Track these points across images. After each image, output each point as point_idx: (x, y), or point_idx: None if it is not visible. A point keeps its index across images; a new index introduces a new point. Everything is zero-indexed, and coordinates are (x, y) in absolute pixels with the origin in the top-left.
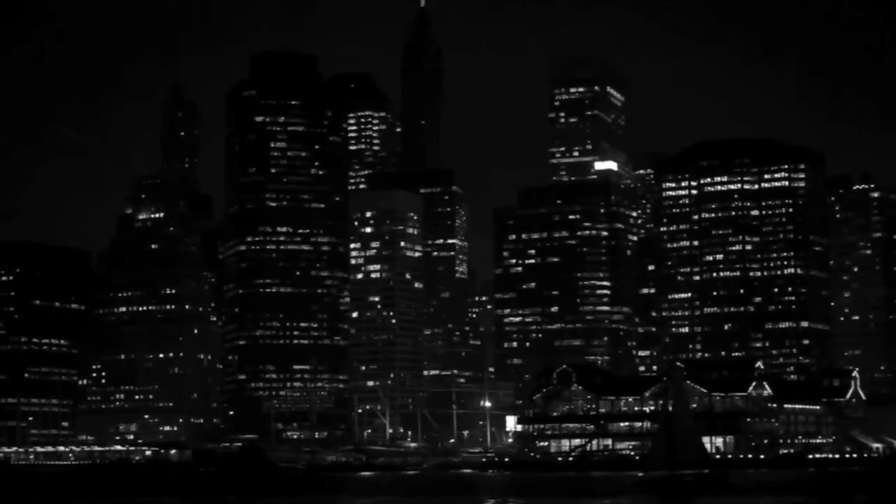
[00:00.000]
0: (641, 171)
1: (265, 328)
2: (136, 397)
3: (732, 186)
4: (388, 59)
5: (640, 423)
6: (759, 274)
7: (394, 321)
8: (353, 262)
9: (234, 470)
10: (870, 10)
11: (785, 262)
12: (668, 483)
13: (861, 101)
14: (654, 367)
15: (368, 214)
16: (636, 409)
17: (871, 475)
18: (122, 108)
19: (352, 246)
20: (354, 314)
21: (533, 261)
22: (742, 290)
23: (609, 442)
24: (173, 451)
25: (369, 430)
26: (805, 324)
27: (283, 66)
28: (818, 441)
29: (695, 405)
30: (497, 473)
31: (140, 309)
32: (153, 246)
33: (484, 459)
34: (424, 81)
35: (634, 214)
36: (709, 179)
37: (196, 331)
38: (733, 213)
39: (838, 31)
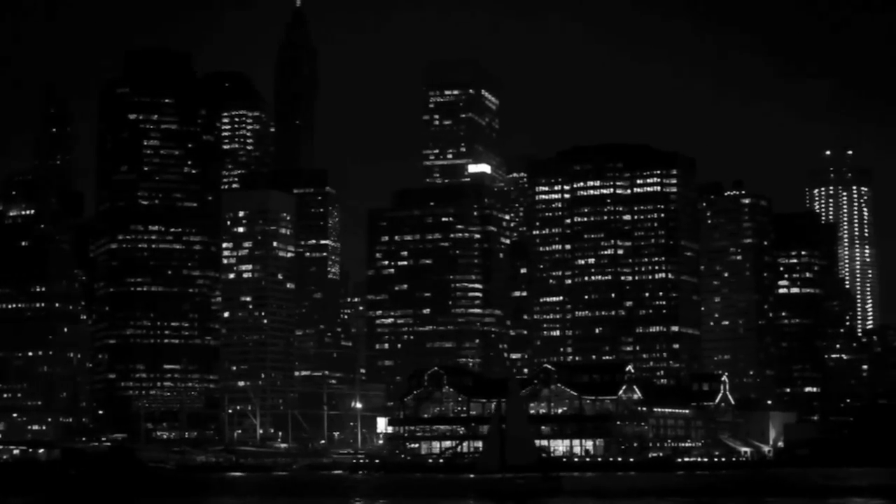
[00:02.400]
0: (515, 175)
1: (136, 327)
2: (5, 396)
3: (605, 191)
4: (262, 59)
5: None
6: (630, 278)
7: (265, 321)
8: (224, 261)
9: (103, 469)
10: (750, 15)
11: (656, 267)
12: (500, 486)
13: (735, 108)
14: (525, 370)
15: (241, 214)
16: None
17: (738, 479)
18: None
19: (224, 245)
20: (226, 314)
21: (405, 262)
22: (613, 294)
23: (479, 444)
24: (42, 451)
25: (240, 431)
26: (675, 328)
27: (157, 64)
28: (687, 445)
29: (565, 408)
30: (367, 475)
31: (9, 307)
32: (23, 243)
33: (354, 461)
34: (299, 81)
35: (507, 217)
36: (582, 184)
37: (66, 329)
38: (606, 217)
39: (713, 36)
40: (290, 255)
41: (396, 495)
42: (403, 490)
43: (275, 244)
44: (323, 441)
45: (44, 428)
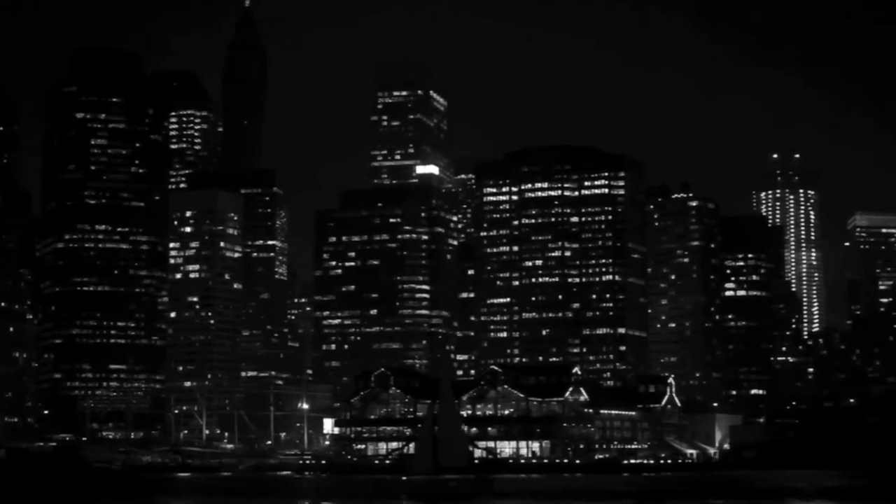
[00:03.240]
0: (463, 176)
1: (82, 327)
2: None
3: (553, 193)
4: (211, 59)
5: None
6: (577, 280)
7: (212, 322)
8: (171, 261)
9: (48, 470)
10: (698, 19)
11: (603, 269)
12: (431, 487)
13: (683, 111)
14: (472, 372)
15: (188, 214)
16: None
17: (684, 481)
18: None
19: (171, 245)
20: (172, 314)
21: (353, 263)
22: (560, 296)
23: None
24: None
25: (186, 431)
26: (622, 330)
27: (105, 63)
28: (633, 447)
29: (512, 410)
30: (314, 475)
31: None
32: None
33: (301, 462)
34: (248, 81)
35: (455, 219)
36: (529, 185)
37: (11, 328)
38: (553, 219)
39: (661, 39)
40: (237, 255)
41: (330, 496)
42: (337, 491)
43: (222, 244)
44: (269, 442)
45: None
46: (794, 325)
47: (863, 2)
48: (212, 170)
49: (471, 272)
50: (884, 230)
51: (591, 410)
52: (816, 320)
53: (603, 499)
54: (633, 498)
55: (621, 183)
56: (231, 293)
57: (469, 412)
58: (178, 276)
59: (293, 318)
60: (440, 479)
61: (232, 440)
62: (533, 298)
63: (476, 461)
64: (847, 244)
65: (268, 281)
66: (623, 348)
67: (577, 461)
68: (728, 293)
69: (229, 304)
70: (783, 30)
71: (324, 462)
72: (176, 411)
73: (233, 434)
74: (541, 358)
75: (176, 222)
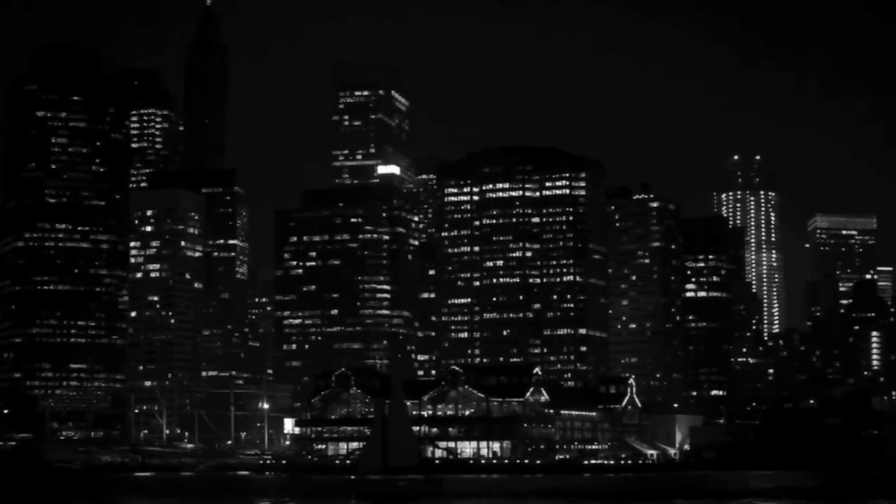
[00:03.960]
0: (424, 176)
1: (42, 326)
2: None
3: (514, 193)
4: (172, 57)
5: (416, 427)
6: (538, 280)
7: (172, 321)
8: (132, 260)
9: (8, 469)
10: (657, 20)
11: (564, 270)
12: (381, 487)
13: (644, 111)
14: (433, 372)
15: (149, 213)
16: (414, 413)
17: (645, 481)
18: None
19: (131, 244)
20: (133, 313)
21: (314, 263)
22: (521, 297)
23: None
24: None
25: (146, 431)
26: (583, 331)
27: (65, 61)
28: (594, 447)
29: (473, 410)
30: (274, 475)
31: None
32: None
33: (261, 462)
34: (209, 80)
35: (416, 219)
36: (491, 186)
37: None
38: (514, 219)
39: (620, 39)
40: (198, 254)
41: (281, 495)
42: (288, 490)
43: (183, 243)
44: (230, 442)
45: None
46: (754, 327)
47: (826, 4)
48: (173, 169)
49: (432, 272)
50: (844, 232)
51: (551, 411)
52: (777, 321)
53: (557, 499)
54: (595, 499)
55: (582, 184)
56: (192, 292)
57: (430, 412)
58: (139, 275)
59: (254, 317)
60: (390, 478)
61: (192, 440)
62: (494, 299)
63: (437, 461)
64: (807, 246)
65: (228, 280)
66: (584, 349)
67: (538, 461)
68: (689, 294)
69: (190, 304)
70: (745, 32)
71: (284, 462)
72: (136, 411)
73: (193, 434)
74: (501, 358)
75: (137, 221)
